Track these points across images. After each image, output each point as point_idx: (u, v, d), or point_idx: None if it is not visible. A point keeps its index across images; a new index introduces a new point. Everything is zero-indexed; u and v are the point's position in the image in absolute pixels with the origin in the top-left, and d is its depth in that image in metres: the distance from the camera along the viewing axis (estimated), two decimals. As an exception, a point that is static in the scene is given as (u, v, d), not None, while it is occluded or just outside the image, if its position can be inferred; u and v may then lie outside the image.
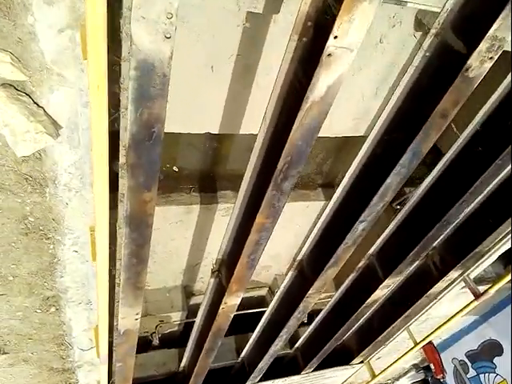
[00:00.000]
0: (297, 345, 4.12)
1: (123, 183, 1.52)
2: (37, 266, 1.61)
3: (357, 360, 4.22)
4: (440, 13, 1.36)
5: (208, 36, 1.86)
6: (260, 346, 3.66)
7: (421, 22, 2.10)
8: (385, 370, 4.09)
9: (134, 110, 1.19)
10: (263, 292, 4.74)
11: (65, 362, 2.34)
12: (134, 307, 2.12)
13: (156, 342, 3.92)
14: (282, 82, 1.41)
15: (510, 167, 2.03)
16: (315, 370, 4.11)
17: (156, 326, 3.94)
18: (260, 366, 3.61)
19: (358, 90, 2.68)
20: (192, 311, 4.12)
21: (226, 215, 3.41)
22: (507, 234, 2.59)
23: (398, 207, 3.91)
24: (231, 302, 2.40)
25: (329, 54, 1.19)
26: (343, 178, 2.05)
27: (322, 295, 3.28)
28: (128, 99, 1.15)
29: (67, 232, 1.57)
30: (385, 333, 3.74)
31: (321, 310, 4.07)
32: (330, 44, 1.16)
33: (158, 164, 1.40)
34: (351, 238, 2.16)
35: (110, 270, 1.63)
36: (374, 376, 4.17)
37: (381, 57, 2.39)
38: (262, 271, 4.38)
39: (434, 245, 2.85)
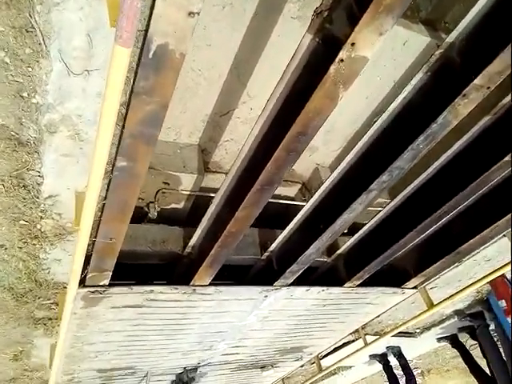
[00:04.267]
0: (340, 251, 3.08)
1: None
2: None
3: (410, 284, 3.24)
4: None
5: None
6: (304, 233, 2.58)
7: None
8: (450, 297, 3.12)
9: None
10: (293, 191, 3.64)
11: (27, 101, 1.16)
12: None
13: (153, 214, 2.77)
14: None
15: None
16: (360, 286, 3.09)
17: (157, 193, 2.77)
18: (302, 258, 2.53)
19: None
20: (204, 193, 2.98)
21: (296, 18, 2.25)
22: None
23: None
24: (366, 37, 1.25)
25: None
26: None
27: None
28: None
29: None
30: (472, 240, 2.75)
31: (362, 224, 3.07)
32: None
33: None
34: None
35: None
36: (431, 306, 3.20)
37: None
38: (305, 154, 3.26)
39: None
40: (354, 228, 3.26)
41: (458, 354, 5.46)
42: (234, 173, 1.96)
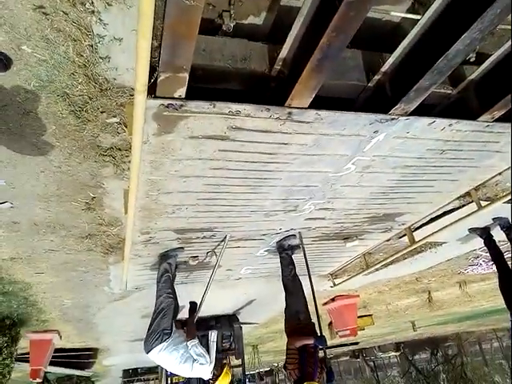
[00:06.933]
0: (472, 77, 2.32)
1: None
2: None
3: None
4: None
5: None
6: (442, 30, 1.83)
7: None
8: None
9: None
10: (401, 8, 2.73)
11: None
12: None
13: (229, 26, 2.10)
14: None
15: None
16: (498, 120, 2.37)
17: (231, -4, 2.08)
18: (440, 63, 1.82)
19: None
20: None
21: None
22: None
23: None
24: None
25: None
26: None
27: None
28: None
29: None
30: None
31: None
32: None
33: None
34: None
35: None
36: None
37: None
38: None
39: None
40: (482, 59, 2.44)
41: None
42: None
